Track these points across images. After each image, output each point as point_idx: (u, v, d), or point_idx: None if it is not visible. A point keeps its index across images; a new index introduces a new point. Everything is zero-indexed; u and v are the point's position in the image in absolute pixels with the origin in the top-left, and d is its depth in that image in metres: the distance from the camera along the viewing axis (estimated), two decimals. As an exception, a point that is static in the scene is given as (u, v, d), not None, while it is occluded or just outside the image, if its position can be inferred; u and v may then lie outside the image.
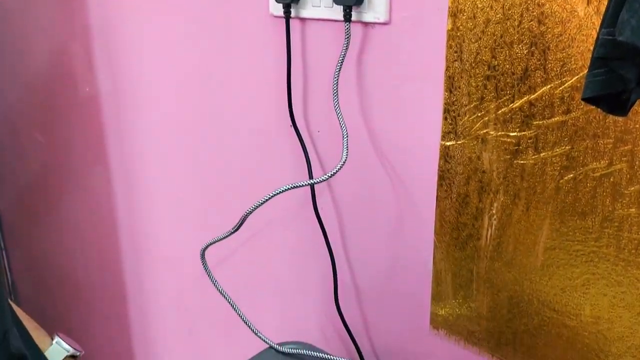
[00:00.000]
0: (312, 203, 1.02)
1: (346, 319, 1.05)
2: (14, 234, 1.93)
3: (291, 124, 1.01)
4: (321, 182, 0.90)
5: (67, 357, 0.78)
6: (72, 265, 1.70)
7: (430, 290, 0.94)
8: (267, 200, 0.89)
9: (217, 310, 1.31)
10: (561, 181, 0.75)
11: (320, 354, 0.99)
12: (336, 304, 1.04)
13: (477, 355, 0.91)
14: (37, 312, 1.31)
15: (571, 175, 0.74)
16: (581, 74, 0.70)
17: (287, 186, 0.89)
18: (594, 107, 0.71)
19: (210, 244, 0.99)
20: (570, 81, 0.71)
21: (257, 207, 0.92)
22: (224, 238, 0.97)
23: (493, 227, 0.83)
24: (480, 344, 0.90)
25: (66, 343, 0.78)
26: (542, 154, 0.76)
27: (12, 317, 0.72)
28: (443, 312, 0.93)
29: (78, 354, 0.80)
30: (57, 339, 0.78)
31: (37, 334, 0.77)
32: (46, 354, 0.76)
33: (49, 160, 1.59)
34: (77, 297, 1.75)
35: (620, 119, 0.69)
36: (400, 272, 0.97)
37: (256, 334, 1.02)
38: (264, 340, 1.02)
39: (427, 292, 0.94)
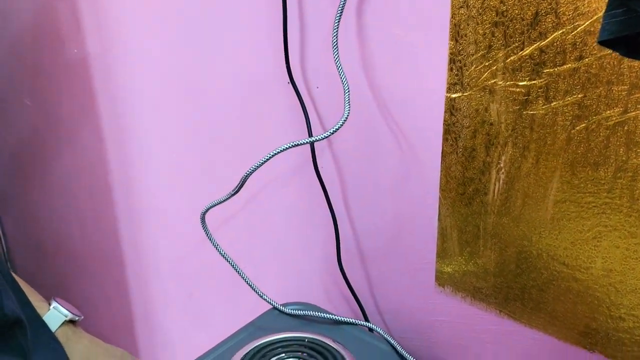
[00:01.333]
0: (312, 162, 0.99)
1: (349, 279, 1.03)
2: (6, 201, 1.90)
3: (289, 80, 0.97)
4: (322, 139, 0.87)
5: (65, 322, 0.76)
6: (67, 231, 1.67)
7: (436, 248, 0.92)
8: (266, 160, 0.86)
9: (217, 274, 1.29)
10: (573, 131, 0.72)
11: (325, 314, 0.97)
12: (339, 264, 1.03)
13: (484, 311, 0.90)
14: (33, 279, 1.29)
15: (583, 125, 0.71)
16: (595, 17, 0.67)
17: (287, 145, 0.86)
18: (608, 52, 0.68)
19: (210, 207, 0.96)
20: (584, 25, 0.68)
21: (257, 167, 0.89)
22: (225, 201, 0.94)
23: (501, 181, 0.81)
24: (487, 300, 0.89)
25: (64, 308, 0.76)
26: (552, 104, 0.73)
27: (6, 279, 0.69)
28: (449, 269, 0.91)
29: (77, 318, 0.78)
30: (54, 303, 0.76)
31: (34, 299, 0.75)
32: (44, 319, 0.73)
33: (39, 124, 1.55)
34: (74, 263, 1.73)
35: (636, 64, 0.66)
36: (404, 230, 0.95)
37: (260, 296, 1.00)
38: (268, 301, 1.00)
39: (432, 250, 0.92)
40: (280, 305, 1.01)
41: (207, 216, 0.98)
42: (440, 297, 0.94)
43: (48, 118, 1.50)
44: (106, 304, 1.71)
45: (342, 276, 1.03)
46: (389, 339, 0.92)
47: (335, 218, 1.01)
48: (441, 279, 0.93)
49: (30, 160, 1.65)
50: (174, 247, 1.37)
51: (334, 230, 1.01)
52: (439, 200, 0.88)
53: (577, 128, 0.72)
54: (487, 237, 0.85)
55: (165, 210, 1.34)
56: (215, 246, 0.99)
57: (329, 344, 0.92)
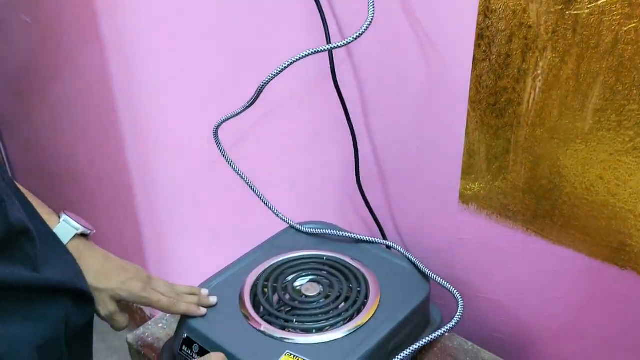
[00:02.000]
0: (330, 76, 0.94)
1: (368, 198, 1.00)
2: (9, 126, 1.85)
3: (306, -16, 0.91)
4: (343, 46, 0.81)
5: (77, 235, 0.72)
6: (73, 156, 1.63)
7: (461, 164, 0.88)
8: (284, 69, 0.81)
9: (230, 194, 1.26)
10: (620, 32, 0.67)
11: (343, 233, 0.94)
12: (358, 184, 0.99)
13: (510, 229, 0.86)
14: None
15: (633, 25, 0.65)
16: None
17: (305, 52, 0.80)
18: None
19: (224, 120, 0.91)
20: None
21: (274, 77, 0.84)
22: (239, 113, 0.89)
23: (537, 90, 0.76)
24: (514, 218, 0.85)
25: (75, 221, 0.73)
26: (599, 2, 0.67)
27: (12, 189, 0.66)
28: (474, 187, 0.88)
29: (89, 232, 0.74)
30: (64, 216, 0.72)
31: (43, 212, 0.71)
32: (54, 232, 0.70)
33: (38, 41, 1.48)
34: (81, 188, 1.70)
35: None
36: (427, 146, 0.91)
37: (276, 214, 0.97)
38: (284, 220, 0.97)
39: (457, 166, 0.88)
40: (297, 224, 0.97)
41: (219, 134, 0.94)
42: (464, 215, 0.91)
43: (47, 34, 1.43)
44: (115, 228, 1.69)
45: (360, 196, 0.99)
46: (410, 256, 0.89)
47: (354, 135, 0.96)
48: (465, 197, 0.90)
49: (30, 81, 1.59)
50: (185, 167, 1.33)
51: (353, 149, 0.97)
52: (467, 113, 0.83)
53: (626, 28, 0.66)
54: (518, 151, 0.81)
55: (174, 128, 1.29)
56: (229, 162, 0.95)
57: (348, 262, 0.89)
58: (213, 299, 0.83)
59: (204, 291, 0.84)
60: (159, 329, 0.93)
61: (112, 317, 0.75)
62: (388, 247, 0.95)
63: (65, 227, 0.72)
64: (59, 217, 0.73)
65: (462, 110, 0.84)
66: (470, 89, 0.81)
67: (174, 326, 0.93)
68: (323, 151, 1.06)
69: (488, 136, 0.83)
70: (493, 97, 0.80)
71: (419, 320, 0.85)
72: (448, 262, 0.96)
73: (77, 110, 1.52)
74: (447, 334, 0.91)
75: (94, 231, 0.76)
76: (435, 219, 0.95)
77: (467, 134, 0.85)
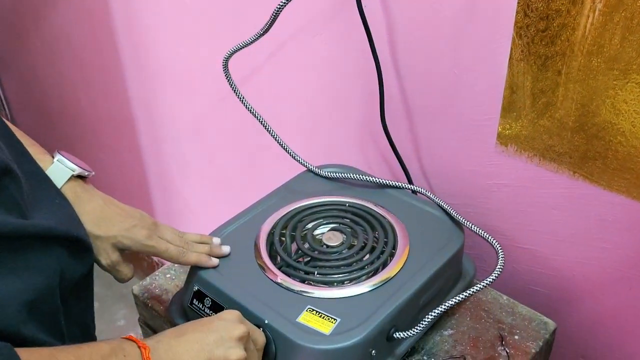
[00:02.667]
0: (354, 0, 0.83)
1: (393, 139, 0.91)
2: (5, 62, 1.75)
3: None
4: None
5: (73, 177, 0.65)
6: (73, 93, 1.54)
7: (501, 100, 0.78)
8: (303, -10, 0.71)
9: (240, 135, 1.17)
10: None
11: (365, 177, 0.86)
12: (382, 122, 0.90)
13: (554, 173, 0.78)
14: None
15: None
16: None
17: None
18: None
19: (235, 51, 0.82)
20: None
21: (290, 0, 0.74)
22: (252, 42, 0.80)
23: (596, 13, 0.65)
24: (559, 160, 0.76)
25: (71, 161, 0.64)
26: None
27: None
28: (515, 126, 0.78)
29: (86, 174, 0.66)
30: (58, 156, 0.64)
31: (35, 151, 0.63)
32: (46, 173, 0.62)
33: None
34: (81, 129, 1.62)
35: None
36: (462, 80, 0.81)
37: (293, 157, 0.88)
38: (301, 163, 0.88)
39: (497, 103, 0.79)
40: (316, 167, 0.89)
41: (230, 68, 0.84)
42: (501, 158, 0.82)
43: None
44: (119, 171, 1.62)
45: (385, 136, 0.90)
46: (441, 203, 0.81)
47: (379, 69, 0.86)
48: (504, 137, 0.80)
49: (24, 12, 1.48)
50: (192, 105, 1.23)
51: (377, 84, 0.87)
52: (511, 41, 0.73)
53: None
54: (570, 84, 0.71)
55: (180, 62, 1.19)
56: (240, 98, 0.85)
57: (372, 209, 0.81)
58: (225, 249, 0.75)
59: (216, 240, 0.76)
60: (167, 279, 0.87)
61: (115, 267, 0.68)
62: (414, 191, 0.87)
63: (60, 168, 0.64)
64: (53, 157, 0.65)
65: (506, 38, 0.73)
66: (517, 12, 0.71)
67: (183, 277, 0.86)
68: (344, 86, 0.96)
69: (535, 67, 0.73)
70: (543, 22, 0.70)
71: (452, 273, 0.77)
72: (481, 210, 0.88)
73: (75, 44, 1.41)
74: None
75: (93, 173, 0.68)
76: (468, 162, 0.86)
77: (510, 65, 0.75)
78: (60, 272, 0.56)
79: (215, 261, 0.73)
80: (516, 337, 0.76)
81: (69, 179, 0.64)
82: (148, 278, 0.87)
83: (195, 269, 0.74)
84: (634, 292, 0.77)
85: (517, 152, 0.80)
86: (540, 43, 0.71)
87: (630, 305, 0.78)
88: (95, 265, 0.66)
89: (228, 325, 0.60)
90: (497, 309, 0.80)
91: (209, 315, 0.70)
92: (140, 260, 1.86)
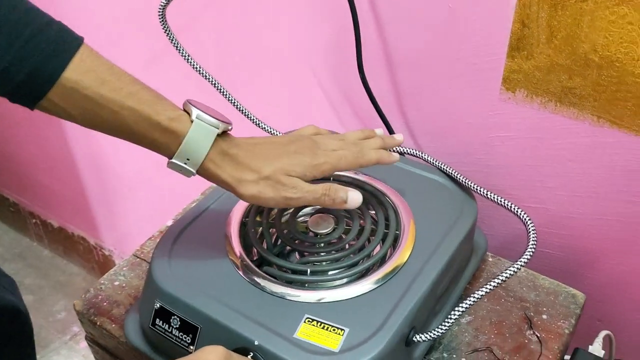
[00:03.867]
0: None
1: (373, 92, 0.76)
2: None
3: None
4: None
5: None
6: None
7: (509, 36, 0.65)
8: None
9: (182, 98, 0.99)
10: None
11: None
12: (360, 73, 0.75)
13: (574, 119, 0.66)
14: None
15: None
16: None
17: None
18: None
19: (171, -5, 0.64)
20: None
21: None
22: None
23: None
24: (581, 104, 0.64)
25: (207, 113, 0.53)
26: None
27: None
28: (526, 66, 0.65)
29: (230, 127, 0.54)
30: (195, 111, 0.52)
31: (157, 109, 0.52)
32: None
33: None
34: None
35: None
36: (458, 15, 0.67)
37: (256, 124, 0.72)
38: (266, 130, 0.73)
39: (502, 40, 0.65)
40: (284, 134, 0.73)
41: (169, 17, 0.66)
42: (507, 106, 0.69)
43: None
44: (39, 143, 1.41)
45: (364, 90, 0.76)
46: (444, 166, 0.68)
47: (353, 6, 0.71)
48: (511, 82, 0.67)
49: None
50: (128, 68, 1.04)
51: (352, 25, 0.72)
52: (523, -39, 0.59)
53: None
54: (599, 11, 0.58)
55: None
56: (181, 52, 0.68)
57: (362, 180, 0.67)
58: (399, 137, 0.64)
59: (378, 131, 0.64)
60: (116, 288, 0.70)
61: (322, 190, 0.55)
62: (401, 153, 0.73)
63: (202, 130, 0.52)
64: (188, 113, 0.52)
65: (516, -42, 0.59)
66: None
67: (136, 283, 0.70)
68: (315, 34, 0.80)
69: (553, -7, 0.59)
70: None
71: (466, 252, 0.65)
72: (481, 168, 0.76)
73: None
74: (491, 259, 0.72)
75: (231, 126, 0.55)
76: (466, 113, 0.73)
77: (520, -8, 0.61)
78: None
79: (396, 156, 0.62)
80: (544, 316, 0.65)
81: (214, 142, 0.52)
82: (92, 289, 0.70)
83: (151, 280, 0.58)
84: (665, 249, 0.68)
85: (527, 98, 0.67)
86: (562, -39, 0.57)
87: (662, 264, 0.69)
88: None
89: None
90: (516, 284, 0.68)
91: (179, 339, 0.56)
92: (88, 253, 1.67)
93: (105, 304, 0.68)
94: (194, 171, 0.53)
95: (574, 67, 0.62)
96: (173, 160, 0.53)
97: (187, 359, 0.47)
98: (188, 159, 0.52)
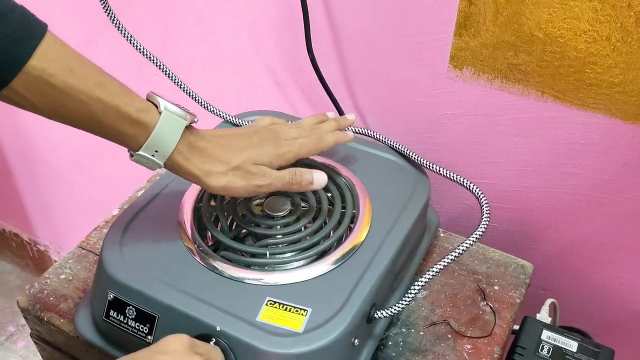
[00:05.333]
0: None
1: (323, 73, 0.76)
2: None
3: None
4: None
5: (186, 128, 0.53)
6: None
7: (456, 14, 0.65)
8: None
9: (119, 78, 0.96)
10: None
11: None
12: (309, 53, 0.74)
13: (520, 95, 0.67)
14: None
15: None
16: None
17: None
18: None
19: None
20: None
21: None
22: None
23: None
24: (526, 80, 0.66)
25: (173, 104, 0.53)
26: None
27: None
28: (473, 44, 0.66)
29: (196, 119, 0.54)
30: (163, 103, 0.52)
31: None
32: None
33: None
34: None
35: None
36: (404, -6, 0.67)
37: (203, 106, 0.70)
38: (214, 112, 0.71)
39: (449, 18, 0.66)
40: (233, 117, 0.72)
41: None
42: (455, 84, 0.70)
43: None
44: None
45: (313, 69, 0.75)
46: (395, 143, 0.69)
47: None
48: (459, 59, 0.68)
49: None
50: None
51: (300, 5, 0.71)
52: (469, -61, 0.60)
53: None
54: (543, -12, 0.60)
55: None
56: (121, 30, 0.65)
57: (316, 161, 0.67)
58: (351, 117, 0.66)
59: (330, 114, 0.66)
60: (62, 282, 0.67)
61: (288, 175, 0.57)
62: (354, 133, 0.73)
63: (171, 120, 0.51)
64: (155, 105, 0.52)
65: (462, -64, 0.60)
66: None
67: (83, 275, 0.67)
68: (259, 13, 0.78)
69: (499, -29, 0.60)
70: None
71: (420, 229, 0.66)
72: (431, 146, 0.77)
73: None
74: (442, 235, 0.73)
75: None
76: (414, 92, 0.74)
77: (466, -30, 0.62)
78: None
79: (351, 134, 0.64)
80: (496, 287, 0.67)
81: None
82: (37, 284, 0.67)
83: (102, 270, 0.56)
84: (606, 217, 0.71)
85: (474, 76, 0.69)
86: (507, -61, 0.58)
87: (603, 231, 0.72)
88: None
89: (176, 359, 0.44)
90: (467, 258, 0.70)
91: (135, 329, 0.54)
92: (22, 249, 1.59)
93: (51, 298, 0.65)
94: (162, 163, 0.52)
95: (519, 44, 0.64)
96: (140, 153, 0.51)
97: (149, 350, 0.45)
98: (156, 151, 0.51)
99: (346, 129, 0.65)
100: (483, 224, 0.57)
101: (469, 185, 0.62)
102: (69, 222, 1.41)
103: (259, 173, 0.55)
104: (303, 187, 0.57)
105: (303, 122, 0.63)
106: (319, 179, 0.58)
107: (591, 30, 0.59)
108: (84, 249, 0.71)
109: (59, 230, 1.46)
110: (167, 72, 0.68)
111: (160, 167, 0.53)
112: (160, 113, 0.51)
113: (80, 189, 1.29)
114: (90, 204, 1.30)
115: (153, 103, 0.52)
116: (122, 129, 0.50)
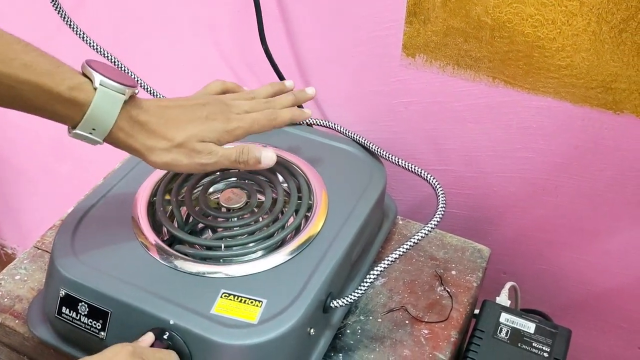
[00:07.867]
0: None
1: (278, 64, 0.75)
2: None
3: None
4: None
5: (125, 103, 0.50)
6: None
7: (405, 2, 0.66)
8: None
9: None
10: None
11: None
12: (263, 45, 0.74)
13: (471, 82, 0.68)
14: None
15: None
16: None
17: None
18: None
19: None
20: None
21: None
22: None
23: None
24: (477, 67, 0.67)
25: (111, 79, 0.49)
26: None
27: None
28: (424, 31, 0.67)
29: (137, 91, 0.52)
30: (98, 77, 0.48)
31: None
32: None
33: None
34: None
35: None
36: (355, -17, 0.67)
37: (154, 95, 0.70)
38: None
39: (400, 6, 0.66)
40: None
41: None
42: (409, 71, 0.71)
43: None
44: None
45: (268, 62, 0.75)
46: (352, 133, 0.69)
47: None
48: (411, 47, 0.69)
49: None
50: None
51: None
52: None
53: None
54: (488, -26, 0.60)
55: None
56: (73, 28, 0.64)
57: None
58: (311, 90, 0.62)
59: (289, 83, 0.62)
60: (17, 283, 0.66)
61: (235, 153, 0.54)
62: (310, 124, 0.73)
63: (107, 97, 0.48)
64: (89, 79, 0.48)
65: None
66: None
67: (38, 275, 0.66)
68: (212, 5, 0.78)
69: (445, -43, 0.61)
70: None
71: (377, 218, 0.66)
72: (388, 134, 0.77)
73: None
74: (401, 222, 0.74)
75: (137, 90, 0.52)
76: (369, 82, 0.74)
77: (413, -42, 0.62)
78: None
79: (308, 112, 0.61)
80: (453, 272, 0.67)
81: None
82: (-10, 286, 0.66)
83: (53, 267, 0.55)
84: (561, 199, 0.72)
85: (426, 63, 0.69)
86: None
87: (559, 214, 0.73)
88: None
89: None
90: (425, 244, 0.71)
91: (88, 326, 0.53)
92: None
93: (6, 300, 0.64)
94: (101, 140, 0.50)
95: (469, 30, 0.64)
96: (77, 131, 0.49)
97: (90, 359, 0.44)
98: (94, 129, 0.49)
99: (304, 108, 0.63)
100: (439, 212, 0.58)
101: (424, 174, 0.62)
102: (36, 224, 1.39)
103: (204, 151, 0.52)
104: (250, 165, 0.55)
105: (258, 92, 0.59)
106: (268, 156, 0.55)
107: (537, 14, 0.60)
108: (39, 248, 0.70)
109: (27, 232, 1.44)
110: (123, 68, 0.67)
111: (100, 144, 0.50)
112: (95, 89, 0.48)
113: (44, 190, 1.27)
114: (56, 204, 1.28)
115: (88, 77, 0.49)
116: (56, 109, 0.47)
